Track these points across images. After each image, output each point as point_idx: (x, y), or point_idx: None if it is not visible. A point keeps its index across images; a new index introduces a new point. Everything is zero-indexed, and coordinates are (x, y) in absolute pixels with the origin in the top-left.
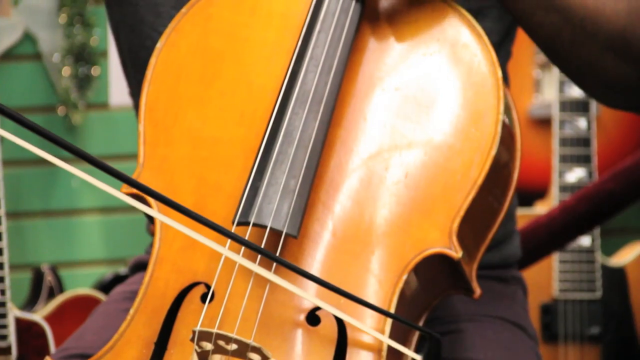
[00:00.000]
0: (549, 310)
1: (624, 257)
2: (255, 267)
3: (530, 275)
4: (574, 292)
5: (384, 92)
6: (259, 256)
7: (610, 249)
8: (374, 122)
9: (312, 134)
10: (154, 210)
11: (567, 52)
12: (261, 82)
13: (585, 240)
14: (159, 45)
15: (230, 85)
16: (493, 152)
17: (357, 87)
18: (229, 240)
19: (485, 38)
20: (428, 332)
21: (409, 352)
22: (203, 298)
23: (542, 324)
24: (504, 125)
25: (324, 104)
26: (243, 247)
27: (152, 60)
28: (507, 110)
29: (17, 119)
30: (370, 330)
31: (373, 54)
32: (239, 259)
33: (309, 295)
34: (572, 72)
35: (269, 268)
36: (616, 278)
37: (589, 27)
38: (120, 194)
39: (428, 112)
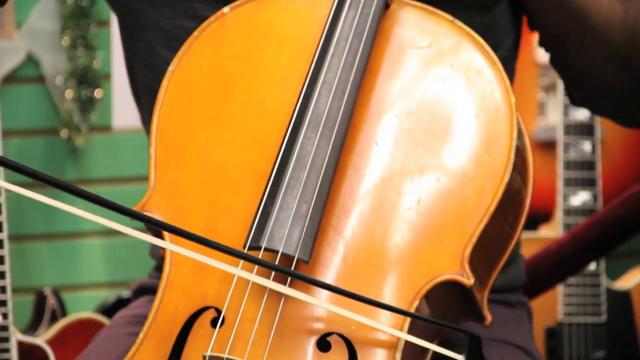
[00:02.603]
0: (553, 334)
1: (629, 280)
2: (270, 283)
3: (535, 298)
4: (579, 315)
5: (396, 118)
6: (272, 275)
7: (615, 273)
8: (386, 148)
9: (325, 159)
10: (166, 241)
11: (571, 56)
12: (273, 106)
13: (590, 264)
14: (171, 68)
15: (242, 109)
16: (506, 179)
17: (370, 112)
18: (241, 262)
19: (499, 64)
20: (466, 331)
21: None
22: (213, 323)
23: (547, 347)
24: (517, 152)
25: (336, 128)
26: (256, 267)
27: (164, 83)
28: (520, 136)
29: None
30: (387, 328)
31: (386, 79)
32: (253, 276)
33: (325, 303)
34: (571, 76)
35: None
36: (621, 302)
37: (598, 36)
38: (128, 229)
39: (441, 138)
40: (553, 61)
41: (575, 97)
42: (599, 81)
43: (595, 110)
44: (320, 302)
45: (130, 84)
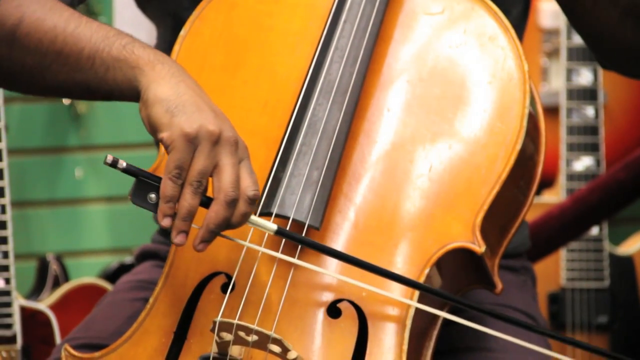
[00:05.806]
0: (556, 299)
1: (632, 245)
2: (279, 255)
3: (538, 264)
4: (582, 280)
5: (408, 84)
6: (282, 244)
7: (618, 238)
8: (398, 114)
9: (336, 125)
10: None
11: (588, 15)
12: (285, 72)
13: (593, 229)
14: (182, 32)
15: (254, 75)
16: (518, 146)
17: (382, 78)
18: (250, 234)
19: (512, 31)
20: (473, 305)
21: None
22: (223, 288)
23: (549, 312)
24: (530, 118)
25: (348, 94)
26: (265, 238)
27: (176, 48)
28: (533, 103)
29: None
30: (398, 297)
31: (398, 45)
32: (262, 249)
33: (334, 273)
34: (592, 37)
35: (292, 256)
36: (624, 267)
37: None
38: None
39: (453, 105)
40: (573, 23)
41: (604, 62)
42: (620, 40)
43: (627, 73)
44: (330, 272)
45: None
